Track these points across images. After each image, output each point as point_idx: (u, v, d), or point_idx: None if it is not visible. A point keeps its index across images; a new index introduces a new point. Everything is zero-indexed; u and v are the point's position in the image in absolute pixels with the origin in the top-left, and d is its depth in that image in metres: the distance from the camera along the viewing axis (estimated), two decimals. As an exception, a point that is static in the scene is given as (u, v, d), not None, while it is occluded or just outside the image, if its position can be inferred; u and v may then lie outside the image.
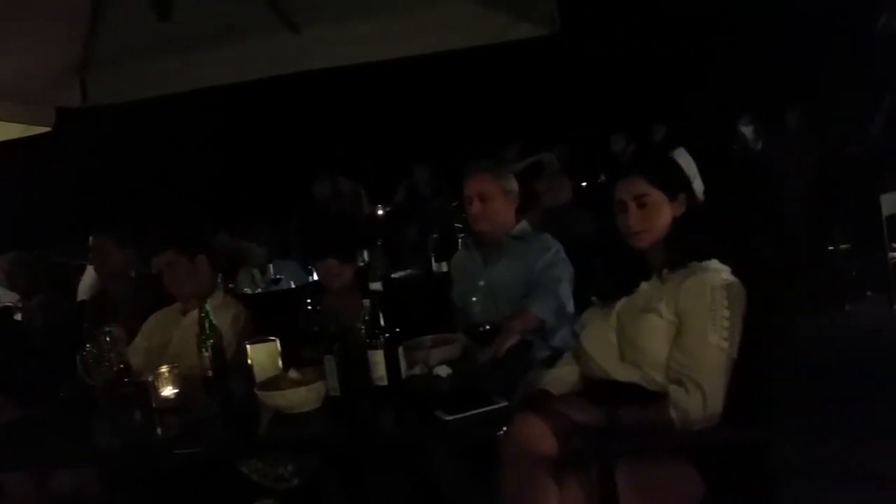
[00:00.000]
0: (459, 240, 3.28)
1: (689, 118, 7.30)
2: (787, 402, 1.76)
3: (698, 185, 6.46)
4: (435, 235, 4.50)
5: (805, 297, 5.45)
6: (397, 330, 2.01)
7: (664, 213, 1.89)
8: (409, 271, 4.39)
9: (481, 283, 2.71)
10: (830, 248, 6.22)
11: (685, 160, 6.48)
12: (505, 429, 1.78)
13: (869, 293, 5.34)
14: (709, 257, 1.85)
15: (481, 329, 2.19)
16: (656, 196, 1.88)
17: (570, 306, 2.54)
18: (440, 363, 2.14)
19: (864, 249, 5.80)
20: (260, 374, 2.22)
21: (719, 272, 1.81)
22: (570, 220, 4.01)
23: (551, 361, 2.16)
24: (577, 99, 8.25)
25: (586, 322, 2.03)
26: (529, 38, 3.24)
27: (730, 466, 1.72)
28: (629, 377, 1.83)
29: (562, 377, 2.02)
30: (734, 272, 1.83)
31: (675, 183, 1.92)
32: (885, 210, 5.34)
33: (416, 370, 2.13)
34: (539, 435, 1.74)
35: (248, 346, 2.26)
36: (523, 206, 3.33)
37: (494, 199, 2.70)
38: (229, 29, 3.34)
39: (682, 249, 1.87)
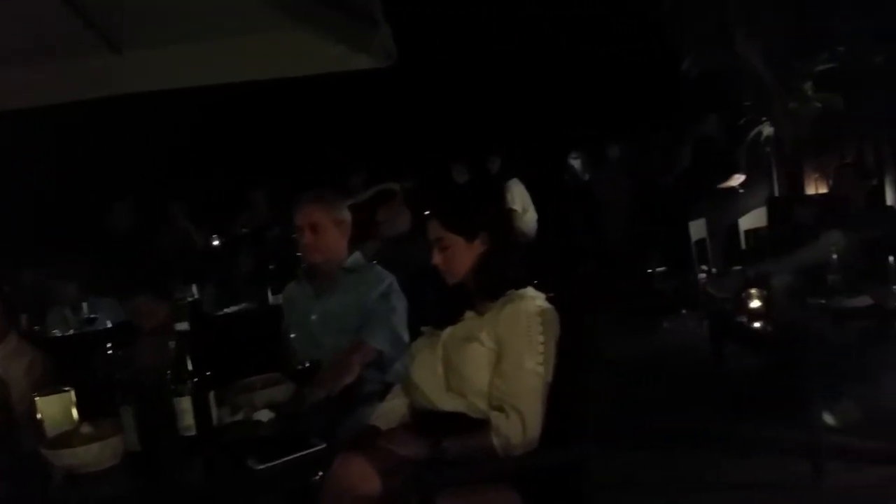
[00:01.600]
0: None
1: (524, 150, 7.54)
2: (602, 419, 1.80)
3: (531, 215, 6.71)
4: (272, 266, 4.26)
5: (625, 317, 5.82)
6: (208, 373, 1.79)
7: (463, 254, 1.86)
8: (243, 305, 4.11)
9: (313, 317, 2.54)
10: (649, 270, 6.65)
11: (519, 190, 6.70)
12: (322, 473, 1.67)
13: (683, 311, 5.70)
14: (524, 285, 1.84)
15: (300, 367, 2.02)
16: (452, 239, 1.86)
17: (406, 337, 2.45)
18: (267, 405, 1.95)
19: (678, 272, 6.24)
20: (52, 430, 1.91)
21: (534, 299, 1.82)
22: (409, 250, 3.94)
23: (384, 395, 2.07)
24: (422, 129, 8.31)
25: (415, 352, 1.98)
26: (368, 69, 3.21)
27: (549, 487, 1.73)
28: (455, 407, 1.79)
29: (390, 411, 1.95)
30: (550, 298, 1.84)
31: (471, 226, 1.86)
32: (694, 236, 5.79)
33: (241, 415, 1.92)
34: (360, 474, 1.66)
35: (36, 399, 1.95)
36: (362, 235, 3.19)
37: (326, 230, 2.55)
38: (42, 48, 3.00)
39: (491, 283, 1.85)
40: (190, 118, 6.52)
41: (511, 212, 6.56)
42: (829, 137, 5.63)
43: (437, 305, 1.97)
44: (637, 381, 4.21)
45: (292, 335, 2.43)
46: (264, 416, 1.90)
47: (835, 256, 3.36)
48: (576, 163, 8.05)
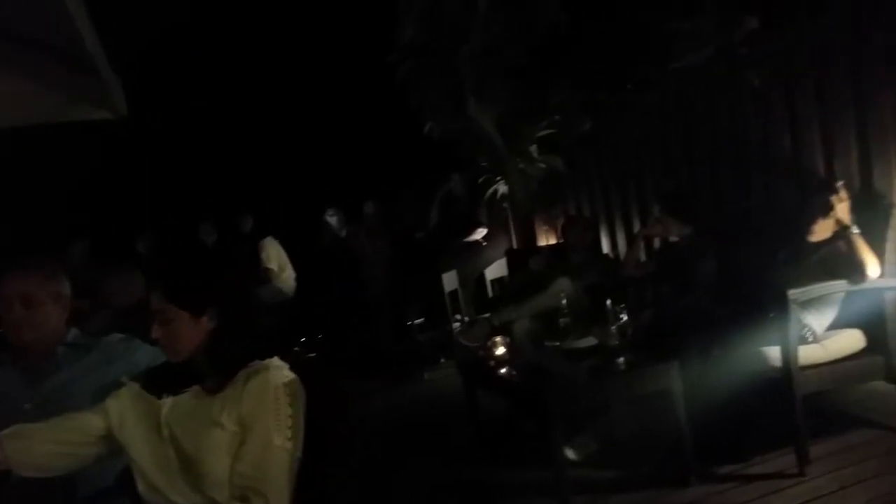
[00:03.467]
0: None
1: (278, 207, 7.40)
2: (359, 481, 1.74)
3: (289, 274, 6.56)
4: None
5: (388, 370, 5.90)
6: None
7: (189, 330, 1.66)
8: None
9: (27, 405, 2.17)
10: (408, 322, 6.82)
11: (274, 249, 6.55)
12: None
13: (442, 360, 5.89)
14: (268, 355, 1.71)
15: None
16: (175, 313, 1.65)
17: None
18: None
19: (435, 322, 6.47)
20: None
21: (280, 369, 1.68)
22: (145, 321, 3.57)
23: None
24: (165, 186, 7.80)
25: (123, 414, 1.71)
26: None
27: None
28: (192, 501, 1.60)
29: None
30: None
31: (197, 299, 1.67)
32: (447, 287, 6.06)
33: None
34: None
35: None
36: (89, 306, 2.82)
37: (42, 304, 2.21)
38: None
39: (223, 364, 1.69)
40: None
41: (267, 270, 6.38)
42: (553, 194, 6.28)
43: (161, 377, 1.75)
44: (399, 433, 4.23)
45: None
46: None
47: (564, 301, 3.69)
48: (332, 220, 8.07)
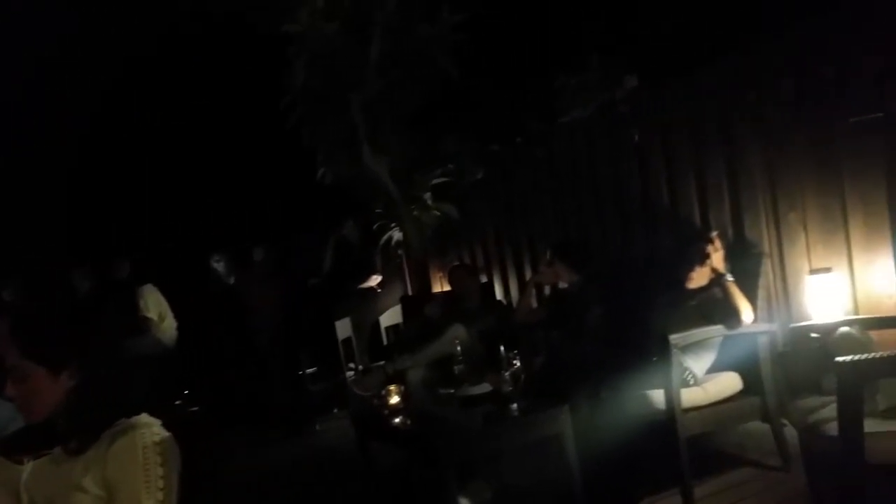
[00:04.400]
0: None
1: (159, 252, 7.05)
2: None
3: (169, 323, 6.22)
4: None
5: (279, 421, 5.68)
6: None
7: (46, 388, 1.52)
8: None
9: None
10: (300, 372, 6.61)
11: (154, 297, 6.20)
12: None
13: (335, 410, 5.74)
14: (136, 412, 1.58)
15: None
16: (32, 369, 1.51)
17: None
18: None
19: (328, 371, 6.32)
20: None
21: (150, 427, 1.56)
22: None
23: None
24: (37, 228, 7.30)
25: None
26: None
27: None
28: None
29: None
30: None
31: (55, 355, 1.54)
32: (341, 335, 5.95)
33: None
34: None
35: None
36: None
37: None
38: None
39: (86, 425, 1.55)
40: None
41: (145, 320, 6.01)
42: (447, 241, 6.36)
43: (21, 439, 1.58)
44: (289, 487, 4.05)
45: None
46: None
47: (459, 348, 3.69)
48: (219, 265, 7.78)
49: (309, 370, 6.58)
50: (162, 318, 6.05)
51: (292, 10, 5.12)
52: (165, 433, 1.57)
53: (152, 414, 1.60)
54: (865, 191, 2.93)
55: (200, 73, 7.75)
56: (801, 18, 3.12)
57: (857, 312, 2.98)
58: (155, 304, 6.00)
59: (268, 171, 7.75)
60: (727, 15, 5.76)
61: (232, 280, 7.59)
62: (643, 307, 3.51)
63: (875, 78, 2.84)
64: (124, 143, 7.97)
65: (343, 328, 5.91)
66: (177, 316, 6.34)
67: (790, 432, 2.72)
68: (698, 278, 3.23)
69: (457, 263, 5.93)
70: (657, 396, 2.92)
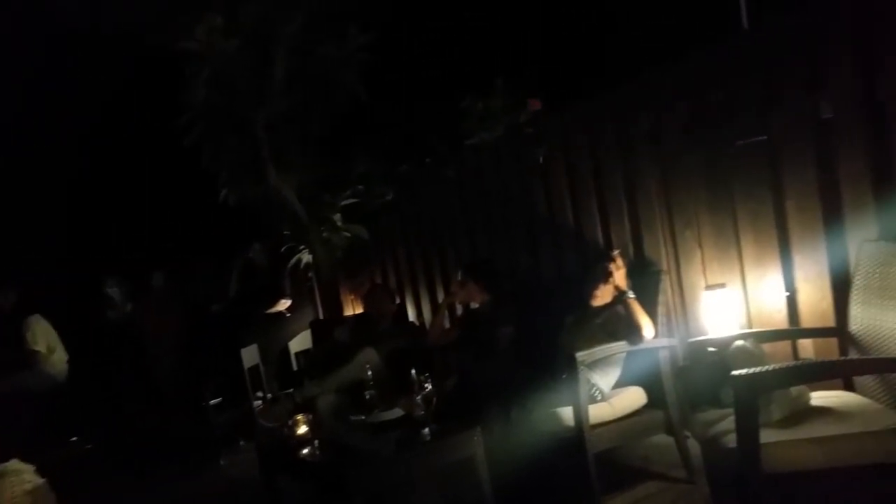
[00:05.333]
0: None
1: (46, 282, 6.63)
2: None
3: (59, 355, 5.84)
4: None
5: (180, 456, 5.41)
6: None
7: None
8: None
9: None
10: (204, 403, 6.32)
11: (42, 328, 5.81)
12: None
13: (242, 443, 5.51)
14: (4, 458, 1.46)
15: None
16: None
17: None
18: None
19: (233, 402, 6.07)
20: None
21: (20, 474, 1.45)
22: None
23: None
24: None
25: None
26: None
27: None
28: None
29: None
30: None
31: None
32: (247, 363, 5.73)
33: None
34: None
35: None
36: None
37: None
38: None
39: None
40: None
41: (32, 353, 5.63)
42: (358, 263, 6.28)
43: None
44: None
45: None
46: None
47: (370, 373, 3.63)
48: (114, 292, 7.38)
49: (213, 401, 6.30)
50: (51, 350, 5.69)
51: (190, 27, 4.95)
52: (39, 480, 1.45)
53: (40, 454, 1.48)
54: (754, 210, 3.09)
55: (96, 90, 7.40)
56: (695, 47, 3.28)
57: (750, 326, 3.13)
58: (43, 336, 5.64)
59: (166, 192, 7.44)
60: (624, 42, 6.04)
61: (129, 307, 7.22)
62: (552, 326, 3.57)
63: (759, 104, 3.02)
64: (15, 163, 7.48)
65: (250, 355, 5.71)
66: (68, 347, 5.97)
67: (693, 444, 2.81)
68: (602, 296, 3.31)
69: (374, 284, 5.87)
70: (566, 414, 2.97)
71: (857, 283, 2.46)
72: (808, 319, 2.93)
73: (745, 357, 2.62)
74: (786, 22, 2.91)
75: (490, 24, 6.85)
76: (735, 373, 2.07)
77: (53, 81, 7.20)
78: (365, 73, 5.58)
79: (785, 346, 3.02)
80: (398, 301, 5.63)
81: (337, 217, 5.96)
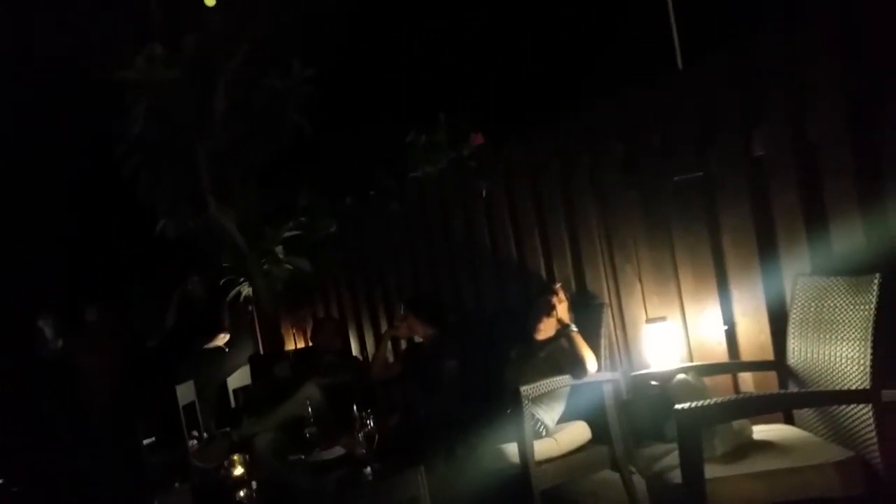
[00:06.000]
0: None
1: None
2: None
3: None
4: None
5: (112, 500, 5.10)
6: None
7: None
8: None
9: None
10: (136, 443, 6.00)
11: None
12: None
13: (177, 485, 5.22)
14: None
15: None
16: None
17: None
18: None
19: (167, 441, 5.78)
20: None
21: None
22: None
23: None
24: None
25: None
26: None
27: None
28: None
29: None
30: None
31: None
32: (182, 400, 5.47)
33: None
34: None
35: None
36: None
37: None
38: None
39: None
40: None
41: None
42: (300, 296, 6.12)
43: None
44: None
45: None
46: None
47: (310, 409, 3.49)
48: (46, 327, 7.01)
49: (146, 440, 5.99)
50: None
51: (128, 56, 4.79)
52: None
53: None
54: (691, 244, 3.11)
55: (33, 118, 7.09)
56: (632, 85, 3.32)
57: (691, 359, 3.13)
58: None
59: (102, 223, 7.14)
60: (565, 78, 6.14)
61: (60, 343, 6.85)
62: (496, 360, 3.50)
63: (696, 142, 3.06)
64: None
65: (185, 393, 5.45)
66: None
67: (639, 480, 2.76)
68: (546, 329, 3.26)
69: (324, 317, 5.72)
70: (511, 450, 2.89)
71: (794, 316, 2.48)
72: (747, 352, 2.94)
73: (687, 390, 2.61)
74: (719, 62, 2.97)
75: (433, 59, 6.89)
76: (678, 406, 2.04)
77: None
78: (309, 106, 5.49)
79: (726, 379, 3.02)
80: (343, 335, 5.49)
81: (279, 249, 5.80)
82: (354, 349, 5.63)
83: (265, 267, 5.79)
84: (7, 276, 7.47)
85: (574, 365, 3.04)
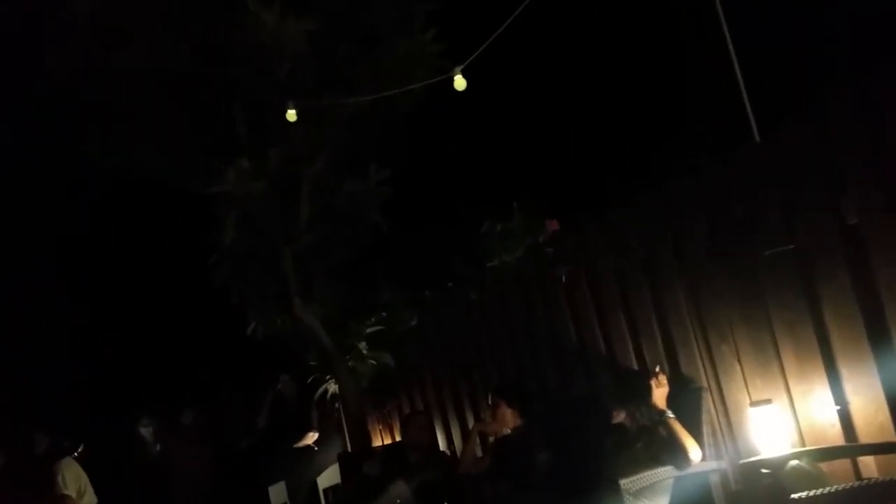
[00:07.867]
0: None
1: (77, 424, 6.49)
2: None
3: (90, 499, 5.58)
4: None
5: None
6: None
7: None
8: None
9: None
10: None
11: (72, 471, 5.59)
12: None
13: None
14: None
15: None
16: None
17: None
18: None
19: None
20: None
21: None
22: None
23: None
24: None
25: None
26: None
27: None
28: None
29: None
30: None
31: None
32: (275, 501, 5.45)
33: None
34: None
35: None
36: None
37: None
38: None
39: None
40: None
41: (63, 498, 5.40)
42: (384, 391, 6.08)
43: None
44: None
45: None
46: None
47: (401, 508, 3.38)
48: (146, 431, 7.20)
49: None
50: (81, 494, 5.44)
51: (218, 171, 5.09)
52: None
53: None
54: (790, 320, 2.91)
55: (128, 233, 7.57)
56: (708, 160, 3.24)
57: (803, 444, 2.87)
58: (74, 480, 5.41)
59: (196, 328, 7.41)
60: (637, 156, 6.09)
61: (158, 448, 7.02)
62: (590, 450, 3.32)
63: (782, 213, 2.92)
64: (48, 304, 7.56)
65: (277, 494, 5.43)
66: (98, 490, 5.74)
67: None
68: (643, 416, 3.09)
69: (411, 411, 5.64)
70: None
71: (918, 393, 2.26)
72: (865, 434, 2.67)
73: (803, 478, 2.39)
74: (801, 133, 2.86)
75: (504, 147, 7.00)
76: (794, 496, 1.85)
77: (86, 226, 7.39)
78: (385, 204, 5.64)
79: (844, 464, 2.74)
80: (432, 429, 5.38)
81: (362, 345, 5.83)
82: (441, 444, 5.49)
83: (350, 364, 5.82)
84: (110, 383, 7.80)
85: (675, 454, 2.85)
